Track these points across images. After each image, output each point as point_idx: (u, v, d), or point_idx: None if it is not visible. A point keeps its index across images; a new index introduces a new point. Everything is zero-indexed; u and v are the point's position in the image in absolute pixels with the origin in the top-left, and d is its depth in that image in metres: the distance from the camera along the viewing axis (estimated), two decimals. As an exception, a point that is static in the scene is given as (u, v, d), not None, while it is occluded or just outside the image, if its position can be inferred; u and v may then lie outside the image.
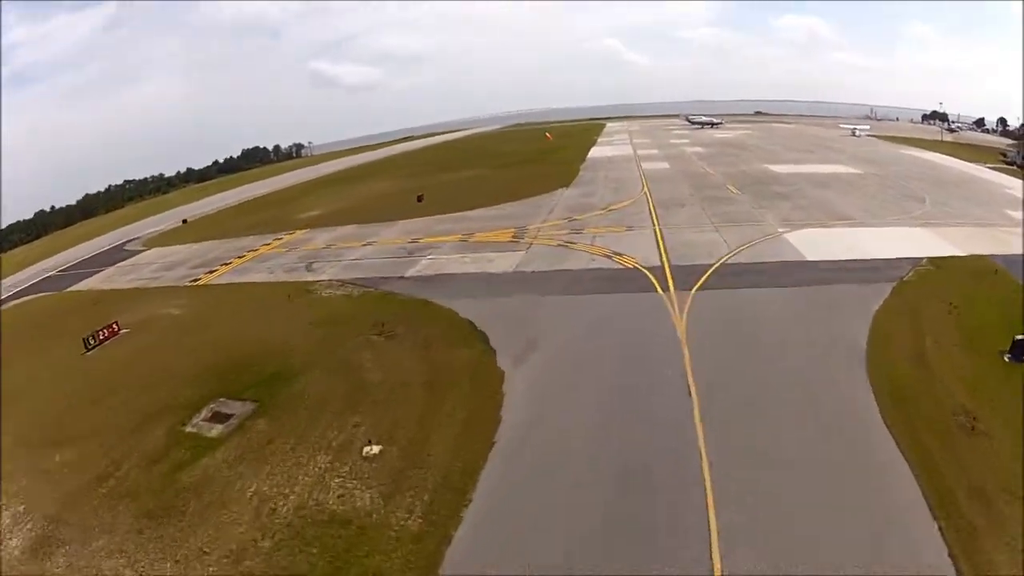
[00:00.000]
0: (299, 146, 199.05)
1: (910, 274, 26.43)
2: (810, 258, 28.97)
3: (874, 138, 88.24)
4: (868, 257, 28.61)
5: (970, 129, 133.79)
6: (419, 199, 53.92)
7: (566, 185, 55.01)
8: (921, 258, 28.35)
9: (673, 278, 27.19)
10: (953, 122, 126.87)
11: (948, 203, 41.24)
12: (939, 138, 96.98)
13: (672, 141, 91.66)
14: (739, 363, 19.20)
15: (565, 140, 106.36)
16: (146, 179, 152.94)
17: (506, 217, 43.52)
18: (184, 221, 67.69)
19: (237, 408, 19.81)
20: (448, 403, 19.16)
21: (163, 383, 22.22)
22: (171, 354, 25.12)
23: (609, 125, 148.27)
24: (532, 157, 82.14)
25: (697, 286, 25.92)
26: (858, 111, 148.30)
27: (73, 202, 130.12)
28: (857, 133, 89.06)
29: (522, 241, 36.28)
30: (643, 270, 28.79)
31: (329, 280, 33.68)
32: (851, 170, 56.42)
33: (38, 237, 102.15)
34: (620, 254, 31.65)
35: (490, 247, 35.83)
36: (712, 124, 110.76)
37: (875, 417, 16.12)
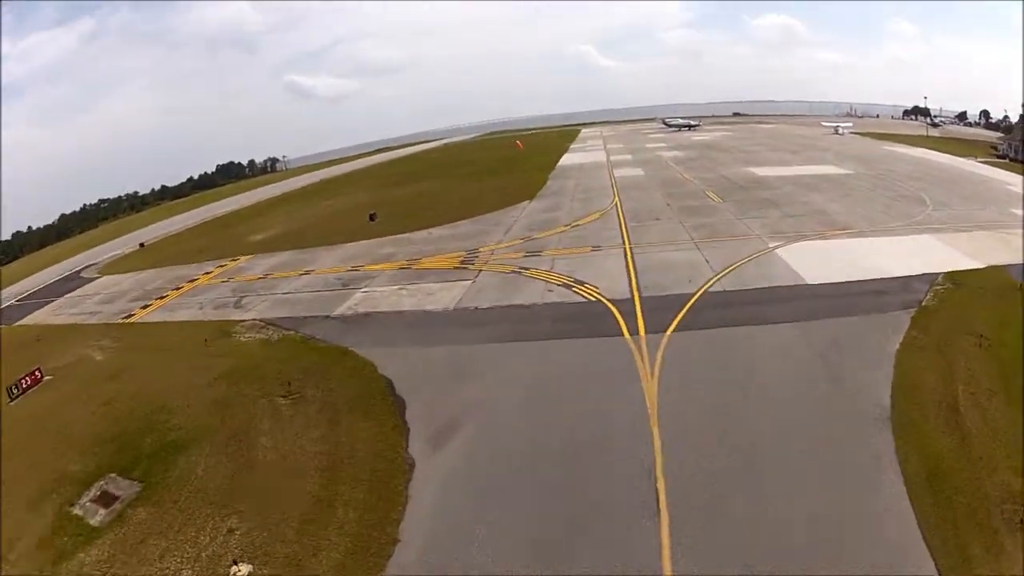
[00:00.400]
0: (274, 160, 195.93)
1: (928, 296, 21.87)
2: (809, 280, 24.23)
3: (857, 135, 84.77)
4: (877, 276, 23.97)
5: (952, 123, 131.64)
6: (372, 218, 49.14)
7: (531, 197, 50.22)
8: (936, 274, 23.88)
9: (644, 315, 22.20)
10: (935, 116, 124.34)
11: (950, 204, 37.11)
12: (924, 133, 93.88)
13: (648, 146, 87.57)
14: (727, 450, 14.25)
15: (537, 148, 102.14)
16: (120, 198, 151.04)
17: (459, 237, 38.62)
18: (141, 245, 63.66)
19: (124, 488, 17.13)
20: (341, 506, 14.51)
21: (67, 446, 19.58)
22: (83, 408, 22.30)
23: (584, 131, 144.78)
24: (500, 167, 77.52)
25: (673, 326, 20.95)
26: (838, 109, 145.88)
27: (52, 221, 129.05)
28: (840, 131, 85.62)
29: (471, 268, 31.31)
30: (608, 304, 23.82)
31: (253, 320, 29.03)
32: (840, 170, 52.30)
33: (15, 258, 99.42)
34: (582, 283, 26.67)
35: (433, 275, 30.81)
36: (690, 126, 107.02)
37: (911, 531, 11.39)
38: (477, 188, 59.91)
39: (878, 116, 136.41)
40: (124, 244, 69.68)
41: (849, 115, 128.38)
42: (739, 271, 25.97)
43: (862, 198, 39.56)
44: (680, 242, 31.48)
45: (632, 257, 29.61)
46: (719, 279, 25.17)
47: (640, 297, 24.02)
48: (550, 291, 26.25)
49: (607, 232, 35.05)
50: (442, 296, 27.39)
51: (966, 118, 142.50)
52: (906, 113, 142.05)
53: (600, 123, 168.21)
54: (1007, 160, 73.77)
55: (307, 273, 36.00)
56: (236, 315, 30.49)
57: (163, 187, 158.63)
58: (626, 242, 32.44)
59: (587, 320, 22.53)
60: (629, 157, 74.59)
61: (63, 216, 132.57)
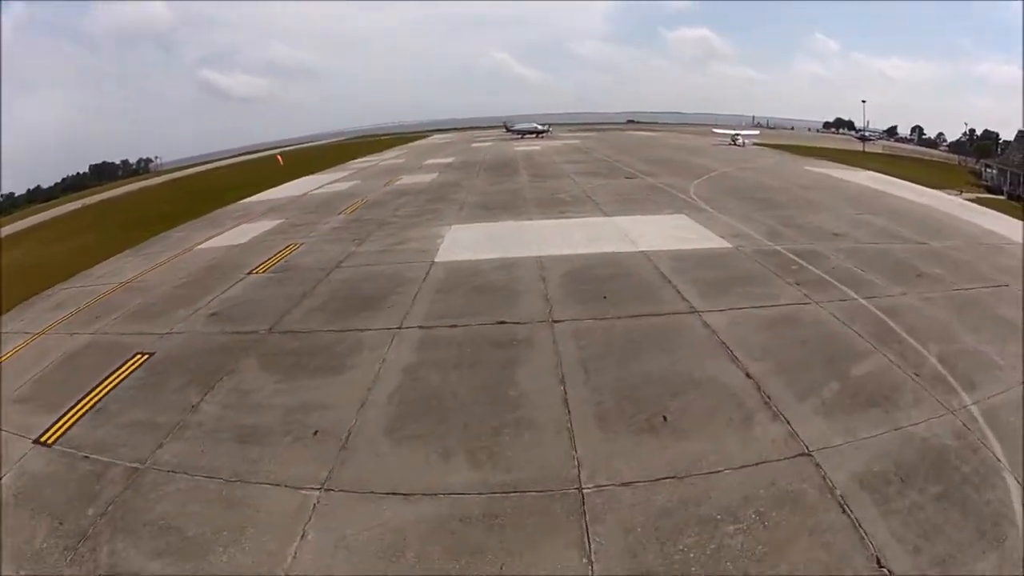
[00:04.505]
0: (148, 160, 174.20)
1: None
2: None
3: (764, 148, 51.80)
4: None
5: (881, 138, 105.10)
6: None
7: None
8: None
9: None
10: (862, 130, 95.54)
11: None
12: (861, 148, 62.38)
13: (429, 162, 52.04)
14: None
15: (307, 164, 65.15)
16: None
17: None
18: None
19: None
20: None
21: None
22: None
23: (433, 138, 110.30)
24: (188, 208, 39.48)
25: None
26: (743, 121, 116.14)
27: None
28: (740, 141, 52.54)
29: None
30: None
31: None
32: (699, 242, 17.04)
33: None
34: None
35: None
36: (536, 132, 74.79)
37: None
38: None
39: (792, 128, 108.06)
40: None
41: (759, 126, 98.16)
42: None
43: None
44: None
45: None
46: None
47: None
48: None
49: None
50: None
51: (896, 133, 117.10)
52: (827, 125, 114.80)
53: (463, 129, 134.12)
54: (1005, 197, 42.86)
55: None
56: None
57: (37, 187, 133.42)
58: None
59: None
60: (357, 181, 37.81)
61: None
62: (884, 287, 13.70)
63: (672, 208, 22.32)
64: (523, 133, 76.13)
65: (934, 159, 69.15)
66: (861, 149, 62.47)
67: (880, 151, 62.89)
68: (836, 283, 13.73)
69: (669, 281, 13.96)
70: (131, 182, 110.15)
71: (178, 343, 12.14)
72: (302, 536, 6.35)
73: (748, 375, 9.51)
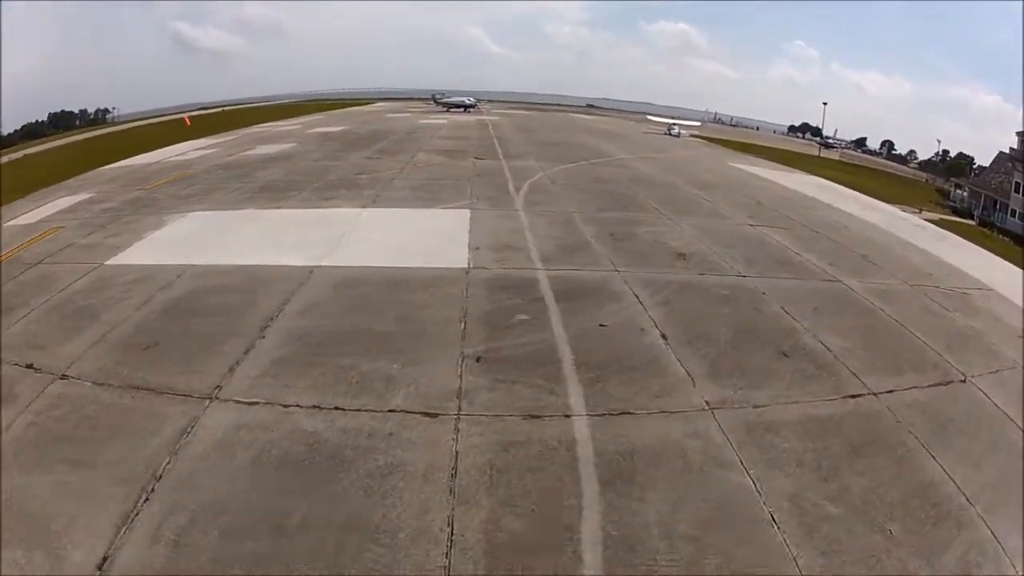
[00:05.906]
0: (105, 111, 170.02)
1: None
2: None
3: (700, 140, 44.86)
4: None
5: (847, 148, 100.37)
6: None
7: None
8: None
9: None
10: (829, 137, 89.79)
11: None
12: (816, 154, 56.12)
13: (311, 132, 44.57)
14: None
15: (210, 127, 56.64)
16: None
17: None
18: None
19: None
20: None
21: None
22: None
23: (372, 106, 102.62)
24: (52, 175, 31.00)
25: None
26: (706, 117, 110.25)
27: None
28: (675, 132, 45.39)
29: None
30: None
31: None
32: (436, 252, 10.46)
33: None
34: None
35: None
36: (464, 106, 69.00)
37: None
38: None
39: (757, 128, 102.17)
40: None
41: (720, 122, 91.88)
42: None
43: None
44: None
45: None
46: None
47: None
48: None
49: None
50: None
51: (864, 144, 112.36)
52: (792, 129, 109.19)
53: (414, 100, 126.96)
54: (976, 223, 37.11)
55: None
56: None
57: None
58: None
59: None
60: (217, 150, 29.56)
61: None
62: (676, 385, 6.48)
63: (472, 200, 14.65)
64: (450, 107, 69.76)
65: (900, 174, 63.81)
66: (818, 154, 56.15)
67: (838, 158, 56.62)
68: (569, 366, 6.15)
69: (262, 330, 6.58)
70: (76, 134, 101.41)
71: None
72: None
73: None
